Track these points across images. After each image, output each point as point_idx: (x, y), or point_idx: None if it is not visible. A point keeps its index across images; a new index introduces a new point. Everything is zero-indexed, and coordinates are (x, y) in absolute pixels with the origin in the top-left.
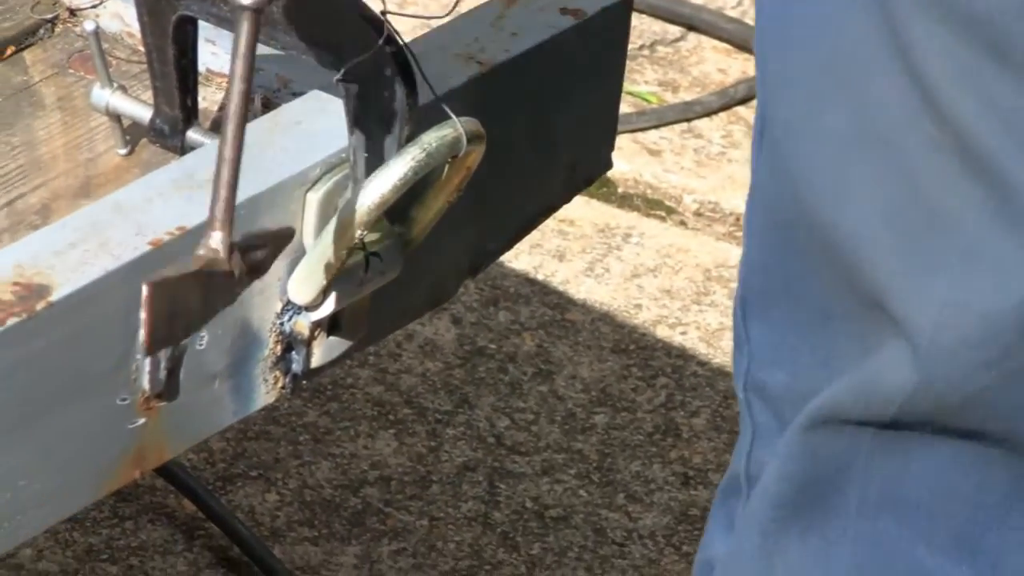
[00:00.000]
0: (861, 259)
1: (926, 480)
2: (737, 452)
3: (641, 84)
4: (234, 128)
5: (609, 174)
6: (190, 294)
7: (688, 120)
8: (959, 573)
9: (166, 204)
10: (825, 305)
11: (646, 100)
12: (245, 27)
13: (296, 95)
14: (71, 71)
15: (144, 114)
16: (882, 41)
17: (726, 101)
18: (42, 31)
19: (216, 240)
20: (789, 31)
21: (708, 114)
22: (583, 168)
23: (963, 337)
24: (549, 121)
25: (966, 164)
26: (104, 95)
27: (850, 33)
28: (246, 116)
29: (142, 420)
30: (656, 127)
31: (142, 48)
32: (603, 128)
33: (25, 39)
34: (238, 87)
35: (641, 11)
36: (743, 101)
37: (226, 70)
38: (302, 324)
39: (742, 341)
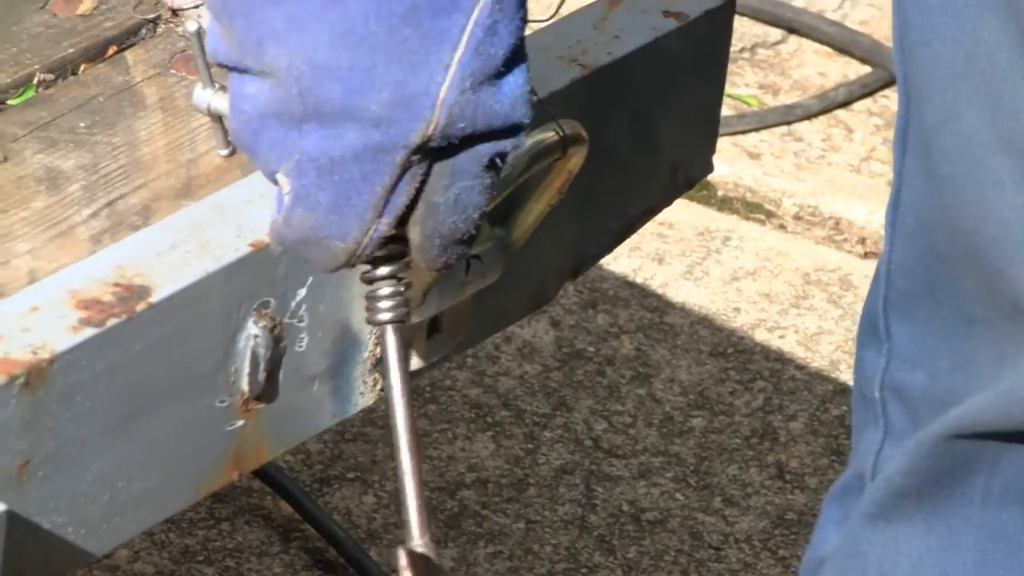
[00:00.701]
0: (1004, 265)
1: None
2: (862, 452)
3: (741, 87)
4: (407, 441)
5: (709, 177)
6: None
7: (788, 123)
8: None
9: (267, 205)
10: (967, 310)
11: (746, 103)
12: (391, 341)
13: None
14: (173, 71)
15: None
16: (1015, 46)
17: (826, 104)
18: (144, 31)
19: (420, 544)
20: (930, 38)
21: (808, 117)
22: (684, 171)
23: None
24: (651, 123)
25: None
26: (206, 96)
27: (985, 39)
28: (415, 428)
29: (241, 422)
30: (756, 130)
31: None
32: (704, 131)
33: (127, 39)
34: (399, 402)
35: (742, 13)
36: (843, 104)
37: None
38: None
39: (881, 340)
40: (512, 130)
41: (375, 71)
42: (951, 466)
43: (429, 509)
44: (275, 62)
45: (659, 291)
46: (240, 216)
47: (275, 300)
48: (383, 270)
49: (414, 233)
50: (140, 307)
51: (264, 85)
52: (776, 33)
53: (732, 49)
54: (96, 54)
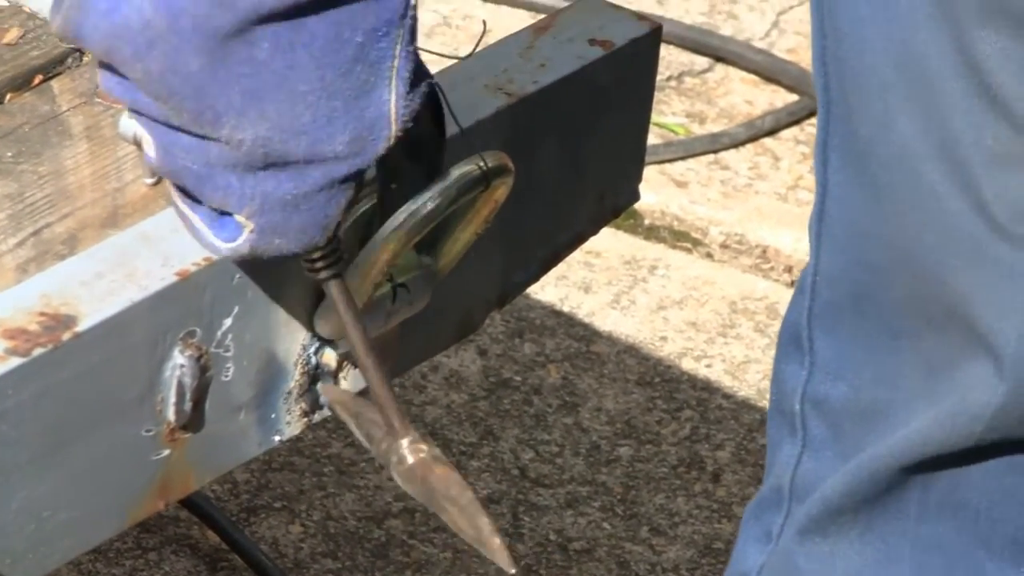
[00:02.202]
0: (943, 271)
1: (985, 486)
2: (779, 465)
3: (668, 115)
4: (375, 374)
5: (636, 206)
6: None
7: (715, 152)
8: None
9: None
10: (893, 323)
11: (673, 131)
12: (335, 292)
13: None
14: (99, 100)
15: None
16: (945, 52)
17: (753, 132)
18: (70, 60)
19: (411, 446)
20: (861, 48)
21: (735, 145)
22: (611, 199)
23: None
24: (577, 152)
25: None
26: (132, 125)
27: (915, 47)
28: (377, 353)
29: (167, 451)
30: (683, 158)
31: None
32: (631, 159)
33: (53, 68)
34: (360, 347)
35: (669, 42)
36: (770, 132)
37: None
38: (329, 356)
39: (803, 352)
40: None
41: (335, 116)
42: (888, 485)
43: (405, 411)
44: (235, 134)
45: (586, 320)
46: (166, 245)
47: (201, 329)
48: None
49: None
50: (66, 336)
51: (213, 144)
52: (703, 61)
53: (659, 77)
54: (22, 83)
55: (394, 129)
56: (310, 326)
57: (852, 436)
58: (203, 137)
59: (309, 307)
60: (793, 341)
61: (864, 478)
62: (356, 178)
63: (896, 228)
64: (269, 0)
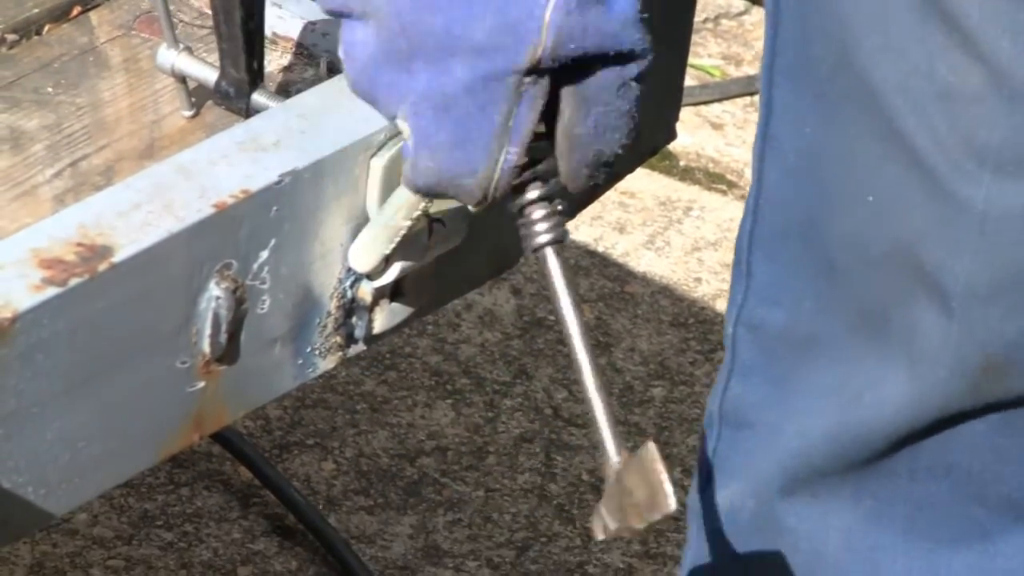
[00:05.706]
0: (900, 206)
1: (975, 448)
2: (714, 388)
3: (704, 57)
4: (589, 363)
5: (671, 147)
6: None
7: (751, 94)
8: (1017, 530)
9: (230, 166)
10: (835, 255)
11: (709, 73)
12: (553, 264)
13: None
14: (136, 32)
15: (210, 76)
16: None
17: None
18: None
19: (619, 463)
20: None
21: None
22: (648, 137)
23: (996, 281)
24: None
25: None
26: (170, 56)
27: None
28: (594, 349)
29: (202, 384)
30: (719, 100)
31: (208, 10)
32: (668, 98)
33: (91, 0)
34: (574, 326)
35: None
36: None
37: (292, 34)
38: (364, 290)
39: (741, 275)
40: (630, 54)
41: (474, 0)
42: (874, 451)
43: (619, 427)
44: (376, 1)
45: (620, 260)
46: (203, 177)
47: (237, 262)
48: (531, 194)
49: (562, 164)
50: (102, 267)
51: (369, 28)
52: (739, 3)
53: (695, 19)
54: (60, 14)
55: (544, 37)
56: (345, 259)
57: (786, 363)
58: (362, 19)
59: (345, 240)
60: (736, 264)
61: (847, 443)
62: (501, 87)
63: (856, 159)
64: None
